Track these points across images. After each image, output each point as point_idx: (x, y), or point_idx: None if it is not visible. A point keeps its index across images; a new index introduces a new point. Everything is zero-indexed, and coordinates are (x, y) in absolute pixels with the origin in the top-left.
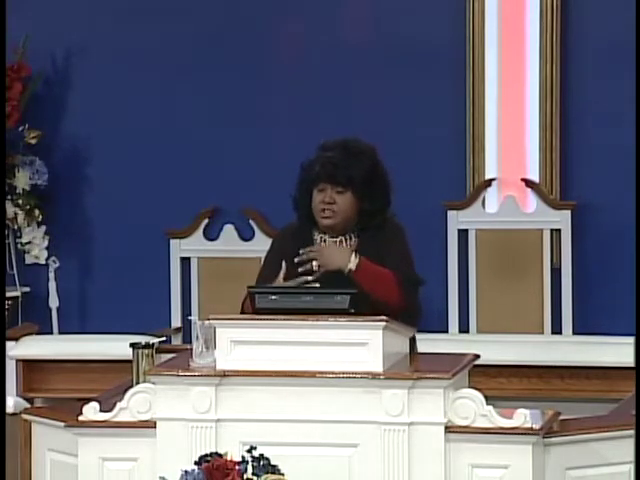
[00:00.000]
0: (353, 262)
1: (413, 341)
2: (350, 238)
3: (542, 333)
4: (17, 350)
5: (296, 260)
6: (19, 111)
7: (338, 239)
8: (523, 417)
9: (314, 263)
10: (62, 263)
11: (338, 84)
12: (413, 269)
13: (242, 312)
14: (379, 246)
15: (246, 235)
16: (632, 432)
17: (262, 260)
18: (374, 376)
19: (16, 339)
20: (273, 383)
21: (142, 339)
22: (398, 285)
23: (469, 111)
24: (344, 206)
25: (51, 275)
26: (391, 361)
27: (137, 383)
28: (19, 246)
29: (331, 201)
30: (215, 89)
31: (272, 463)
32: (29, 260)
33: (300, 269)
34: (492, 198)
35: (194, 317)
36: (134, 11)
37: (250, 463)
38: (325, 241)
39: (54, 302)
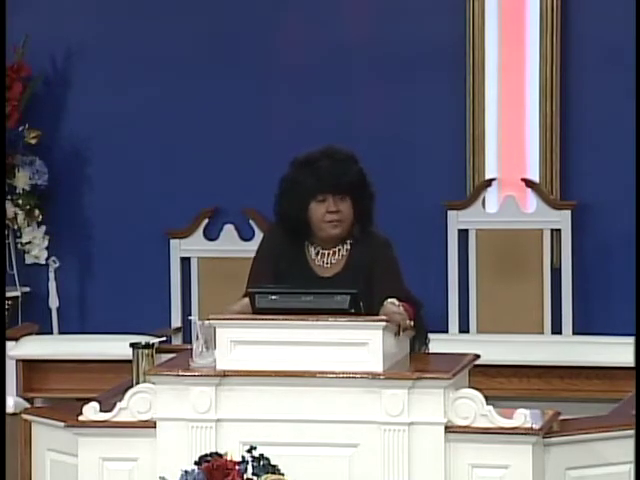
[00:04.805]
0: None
1: (425, 345)
2: (339, 251)
3: (542, 333)
4: (17, 350)
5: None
6: (19, 111)
7: (330, 250)
8: (523, 417)
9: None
10: (62, 263)
11: (338, 84)
12: (409, 292)
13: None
14: (368, 261)
15: (246, 235)
16: (632, 432)
17: (253, 259)
18: (374, 376)
19: (16, 339)
20: (273, 383)
21: (142, 339)
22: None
23: (469, 111)
24: (347, 213)
25: (51, 275)
26: (391, 361)
27: (137, 383)
28: (19, 246)
29: (336, 209)
30: (215, 89)
31: (272, 463)
32: (29, 260)
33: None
34: (492, 198)
35: (194, 317)
36: (134, 11)
37: (250, 463)
38: (318, 253)
39: (54, 302)
